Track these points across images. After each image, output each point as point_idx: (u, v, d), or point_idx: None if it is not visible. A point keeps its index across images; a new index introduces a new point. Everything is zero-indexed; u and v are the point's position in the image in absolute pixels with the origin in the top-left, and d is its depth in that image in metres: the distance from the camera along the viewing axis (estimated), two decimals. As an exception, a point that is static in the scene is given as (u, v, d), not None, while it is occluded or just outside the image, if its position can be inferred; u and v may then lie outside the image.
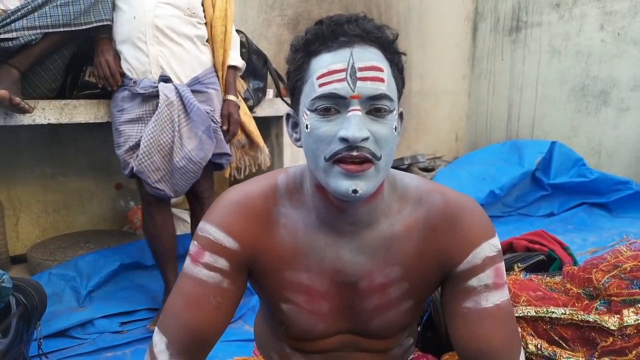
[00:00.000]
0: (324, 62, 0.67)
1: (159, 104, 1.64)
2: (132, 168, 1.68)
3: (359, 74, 0.65)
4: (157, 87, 1.66)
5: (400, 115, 0.76)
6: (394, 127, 0.69)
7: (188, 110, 1.68)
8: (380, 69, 0.67)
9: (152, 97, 1.67)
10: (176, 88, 1.68)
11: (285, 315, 0.82)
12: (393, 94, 0.69)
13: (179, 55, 1.72)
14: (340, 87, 0.65)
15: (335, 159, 0.66)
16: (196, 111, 1.68)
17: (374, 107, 0.66)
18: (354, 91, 0.65)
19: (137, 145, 1.68)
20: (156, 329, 0.78)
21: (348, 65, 0.66)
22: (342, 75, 0.66)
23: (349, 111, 0.66)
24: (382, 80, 0.66)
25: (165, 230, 1.81)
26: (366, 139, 0.65)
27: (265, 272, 0.80)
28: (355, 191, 0.66)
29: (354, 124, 0.64)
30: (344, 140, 0.65)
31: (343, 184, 0.66)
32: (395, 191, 0.80)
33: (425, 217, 0.78)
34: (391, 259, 0.78)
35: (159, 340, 0.76)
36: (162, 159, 1.67)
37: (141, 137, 1.66)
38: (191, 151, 1.67)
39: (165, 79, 1.68)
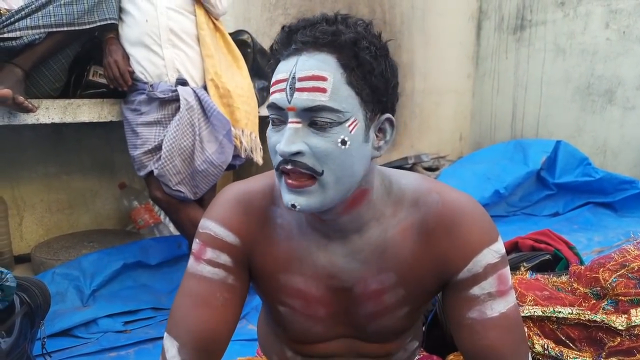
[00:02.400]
0: (277, 71, 0.67)
1: (180, 108, 1.64)
2: (151, 170, 1.68)
3: (297, 85, 0.63)
4: (176, 91, 1.66)
5: (390, 122, 0.71)
6: (338, 140, 0.64)
7: (208, 114, 1.69)
8: (321, 78, 0.62)
9: (170, 101, 1.67)
10: (195, 92, 1.68)
11: (283, 317, 0.81)
12: (343, 104, 0.63)
13: (193, 58, 1.72)
14: (279, 98, 0.65)
15: (280, 170, 0.67)
16: (216, 115, 1.69)
17: (314, 119, 0.63)
18: (289, 103, 0.63)
19: (155, 149, 1.68)
20: (166, 334, 0.77)
21: (289, 75, 0.64)
22: (283, 85, 0.64)
23: (288, 123, 0.65)
24: (322, 90, 0.62)
25: (200, 215, 1.78)
26: (299, 153, 0.63)
27: (262, 273, 0.80)
28: (294, 206, 0.66)
29: (285, 138, 0.64)
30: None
31: (286, 197, 0.67)
32: (390, 195, 0.77)
33: (421, 220, 0.75)
34: (385, 265, 0.76)
35: (170, 346, 0.74)
36: (182, 163, 1.67)
37: (160, 140, 1.67)
38: (212, 155, 1.69)
39: (183, 82, 1.69)
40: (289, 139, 0.63)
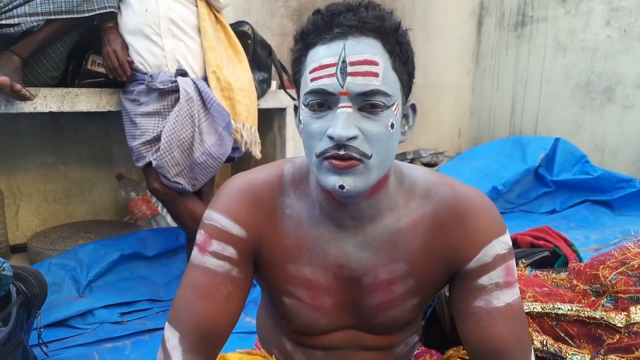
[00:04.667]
0: (317, 56, 0.65)
1: (180, 99, 1.63)
2: (149, 162, 1.67)
3: (349, 69, 0.62)
4: (176, 81, 1.65)
5: (413, 108, 0.73)
6: (389, 124, 0.65)
7: (207, 105, 1.68)
8: (374, 63, 0.63)
9: (170, 91, 1.66)
10: (195, 83, 1.66)
11: (288, 309, 0.81)
12: (391, 88, 0.65)
13: (193, 49, 1.71)
14: (330, 83, 0.63)
15: (325, 156, 0.65)
16: (216, 107, 1.68)
17: (366, 103, 0.64)
18: (342, 87, 0.63)
19: (154, 139, 1.67)
20: (167, 324, 0.76)
21: (339, 59, 0.63)
22: (332, 70, 0.63)
23: (338, 108, 0.64)
24: (375, 74, 0.63)
25: (198, 207, 1.76)
26: (354, 137, 0.63)
27: (269, 264, 0.79)
28: (342, 187, 0.65)
29: (340, 123, 0.63)
30: (331, 138, 0.63)
31: (331, 180, 0.65)
32: (402, 185, 0.78)
33: (433, 211, 0.76)
34: (396, 255, 0.76)
35: (171, 335, 0.74)
36: (181, 154, 1.66)
37: (159, 131, 1.66)
38: (211, 146, 1.68)
39: (182, 73, 1.67)
40: (345, 123, 0.63)
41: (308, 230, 0.77)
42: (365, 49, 0.63)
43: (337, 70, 0.63)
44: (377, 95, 0.63)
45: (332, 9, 0.65)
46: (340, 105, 0.63)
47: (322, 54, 0.64)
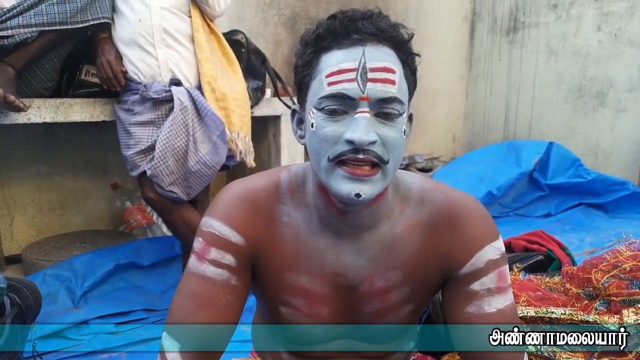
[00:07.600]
0: (335, 60, 0.65)
1: (174, 109, 1.64)
2: (144, 171, 1.67)
3: (369, 75, 0.63)
4: (170, 91, 1.65)
5: (410, 117, 0.74)
6: (402, 130, 0.67)
7: (202, 114, 1.68)
8: (392, 71, 0.64)
9: (164, 101, 1.66)
10: (189, 92, 1.67)
11: (284, 318, 0.80)
12: (404, 96, 0.66)
13: (187, 58, 1.71)
14: (350, 88, 0.63)
15: (339, 160, 0.65)
16: (210, 116, 1.68)
17: (384, 110, 0.64)
18: (363, 92, 0.63)
19: (148, 149, 1.67)
20: (165, 333, 0.74)
21: (359, 64, 0.63)
22: (352, 75, 0.63)
23: (356, 113, 0.63)
24: (393, 82, 0.64)
25: (193, 216, 1.76)
26: (373, 142, 0.63)
27: (266, 272, 0.78)
28: (358, 195, 0.64)
29: (361, 127, 0.62)
30: (349, 142, 0.63)
31: (345, 187, 0.64)
32: (398, 192, 0.78)
33: (428, 217, 0.76)
34: (392, 262, 0.76)
35: (170, 346, 0.72)
36: (176, 163, 1.66)
37: (153, 140, 1.66)
38: (205, 155, 1.68)
39: (177, 83, 1.68)
40: (366, 128, 0.63)
41: (305, 239, 0.77)
42: (384, 57, 0.64)
43: (357, 75, 0.63)
44: (394, 102, 0.64)
45: (350, 15, 0.66)
46: (359, 110, 0.63)
47: (341, 58, 0.64)
